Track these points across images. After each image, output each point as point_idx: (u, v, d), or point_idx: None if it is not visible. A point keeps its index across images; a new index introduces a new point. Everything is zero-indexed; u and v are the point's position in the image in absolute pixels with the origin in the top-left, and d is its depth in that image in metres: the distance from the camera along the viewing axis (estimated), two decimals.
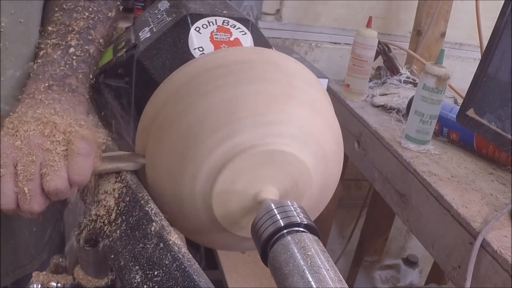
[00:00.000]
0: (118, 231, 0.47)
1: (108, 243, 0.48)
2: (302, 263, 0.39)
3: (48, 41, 0.56)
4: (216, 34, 0.57)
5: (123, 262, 0.45)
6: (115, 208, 0.49)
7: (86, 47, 0.57)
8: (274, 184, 0.50)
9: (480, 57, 0.94)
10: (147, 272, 0.42)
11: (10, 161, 0.46)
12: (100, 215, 0.50)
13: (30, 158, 0.46)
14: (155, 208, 0.47)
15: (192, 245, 1.33)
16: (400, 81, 1.26)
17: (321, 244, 0.42)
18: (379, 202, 1.50)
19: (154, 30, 0.59)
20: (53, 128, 0.48)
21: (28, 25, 0.57)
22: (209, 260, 1.40)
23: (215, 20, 0.57)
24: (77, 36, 0.56)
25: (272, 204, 0.45)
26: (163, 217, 0.46)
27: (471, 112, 0.84)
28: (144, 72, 0.56)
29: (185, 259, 0.42)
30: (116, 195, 0.50)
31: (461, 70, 1.60)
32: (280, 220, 0.43)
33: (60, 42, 0.56)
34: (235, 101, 0.49)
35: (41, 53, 0.56)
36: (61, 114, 0.50)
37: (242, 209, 0.50)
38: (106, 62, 0.61)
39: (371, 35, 1.18)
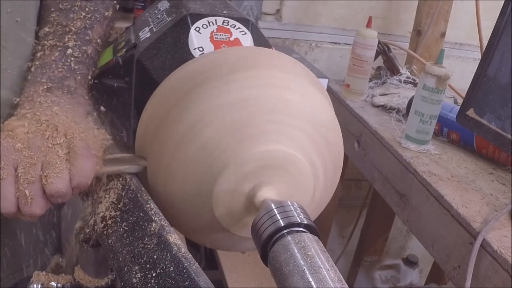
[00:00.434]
0: (118, 231, 0.47)
1: (108, 243, 0.48)
2: (302, 263, 0.39)
3: (45, 42, 0.55)
4: (216, 34, 0.57)
5: (123, 262, 0.45)
6: (115, 207, 0.49)
7: (83, 47, 0.56)
8: (274, 184, 0.50)
9: (480, 57, 0.94)
10: (147, 272, 0.42)
11: (11, 164, 0.45)
12: (100, 215, 0.50)
13: (31, 161, 0.45)
14: (155, 208, 0.47)
15: (192, 245, 1.33)
16: (400, 81, 1.26)
17: (321, 244, 0.42)
18: (379, 202, 1.50)
19: (154, 30, 0.59)
20: (54, 130, 0.47)
21: (24, 24, 0.57)
22: (209, 260, 1.40)
23: (215, 20, 0.57)
24: (74, 37, 0.56)
25: (272, 204, 0.45)
26: (163, 217, 0.46)
27: (471, 112, 0.84)
28: (144, 72, 0.56)
29: (185, 259, 0.42)
30: (116, 195, 0.50)
31: (461, 70, 1.60)
32: (280, 220, 0.43)
33: (58, 43, 0.55)
34: (234, 101, 0.49)
35: (38, 54, 0.55)
36: (61, 116, 0.50)
37: (242, 209, 0.50)
38: (106, 62, 0.61)
39: (371, 35, 1.18)
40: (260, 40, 0.59)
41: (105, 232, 0.49)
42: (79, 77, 0.55)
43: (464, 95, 0.88)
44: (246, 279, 1.18)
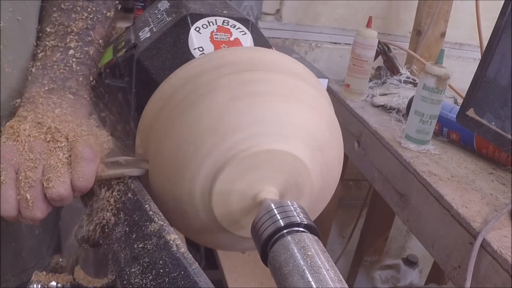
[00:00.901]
0: (118, 231, 0.47)
1: (108, 243, 0.48)
2: (302, 263, 0.39)
3: (47, 42, 0.55)
4: (216, 34, 0.57)
5: (123, 262, 0.45)
6: (115, 207, 0.49)
7: (85, 48, 0.56)
8: (274, 184, 0.50)
9: (480, 57, 0.94)
10: (147, 272, 0.42)
11: (11, 167, 0.45)
12: (100, 214, 0.49)
13: (32, 164, 0.45)
14: (154, 208, 0.47)
15: (192, 245, 1.33)
16: (400, 81, 1.26)
17: (321, 244, 0.42)
18: (379, 202, 1.50)
19: (154, 30, 0.59)
20: (55, 133, 0.47)
21: (25, 23, 0.56)
22: (209, 260, 1.40)
23: (215, 20, 0.57)
24: (76, 37, 0.55)
25: (272, 204, 0.45)
26: (162, 217, 0.46)
27: (471, 112, 0.84)
28: (144, 72, 0.56)
29: (185, 259, 0.42)
30: (116, 195, 0.50)
31: (461, 70, 1.60)
32: (280, 220, 0.43)
33: (59, 44, 0.55)
34: (234, 101, 0.49)
35: (40, 55, 0.55)
36: (63, 118, 0.49)
37: (242, 209, 0.50)
38: (106, 62, 0.61)
39: (371, 35, 1.18)
40: (260, 40, 0.59)
41: (105, 232, 0.49)
42: (80, 78, 0.55)
43: (464, 95, 0.88)
44: (246, 279, 1.18)
